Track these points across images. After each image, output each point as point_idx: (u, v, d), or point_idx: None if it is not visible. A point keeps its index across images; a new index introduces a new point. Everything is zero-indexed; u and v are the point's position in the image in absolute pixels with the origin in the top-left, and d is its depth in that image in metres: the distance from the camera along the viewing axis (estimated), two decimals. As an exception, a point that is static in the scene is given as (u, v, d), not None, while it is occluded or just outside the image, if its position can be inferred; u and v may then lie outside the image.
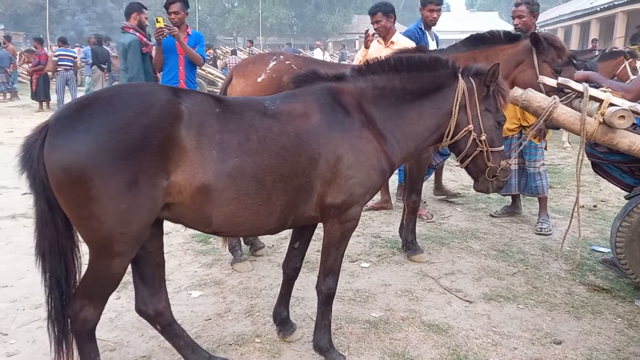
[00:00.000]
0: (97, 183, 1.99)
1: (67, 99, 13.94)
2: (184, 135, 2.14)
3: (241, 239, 4.15)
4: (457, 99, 2.64)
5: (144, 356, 2.88)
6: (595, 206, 5.82)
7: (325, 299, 2.72)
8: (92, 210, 2.02)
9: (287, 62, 4.04)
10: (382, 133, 2.58)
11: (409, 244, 4.35)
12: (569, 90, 3.21)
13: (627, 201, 3.79)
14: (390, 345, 3.00)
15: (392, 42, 5.00)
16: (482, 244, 4.67)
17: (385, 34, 5.06)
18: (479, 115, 2.66)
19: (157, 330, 2.59)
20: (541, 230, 4.92)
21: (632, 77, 7.80)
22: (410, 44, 4.83)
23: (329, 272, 2.68)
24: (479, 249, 4.54)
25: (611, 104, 2.92)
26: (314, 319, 2.86)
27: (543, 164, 5.05)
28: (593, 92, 3.04)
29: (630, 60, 8.36)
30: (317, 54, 21.20)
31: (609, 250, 4.22)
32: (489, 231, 5.01)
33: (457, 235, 4.89)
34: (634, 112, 2.92)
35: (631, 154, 3.07)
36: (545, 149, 5.18)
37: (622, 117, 2.86)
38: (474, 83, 2.67)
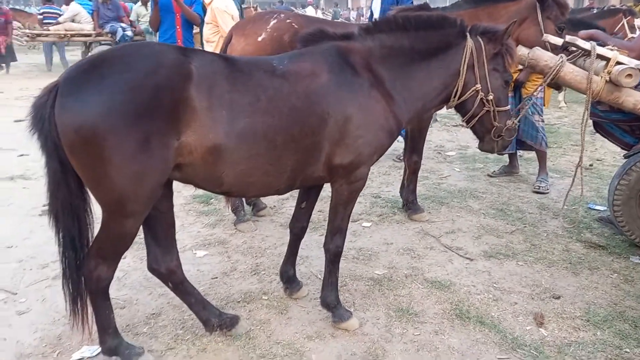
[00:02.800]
0: (110, 143, 1.98)
1: (55, 59, 13.67)
2: (194, 95, 2.12)
3: (244, 199, 4.18)
4: (465, 59, 2.62)
5: (153, 313, 2.94)
6: (591, 165, 5.89)
7: (333, 257, 2.76)
8: (105, 170, 2.03)
9: (288, 20, 3.96)
10: (390, 93, 2.57)
11: (410, 204, 4.40)
12: (575, 49, 3.20)
13: (625, 160, 3.84)
14: (395, 301, 3.08)
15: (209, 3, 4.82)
16: (480, 203, 4.73)
17: None
18: (486, 74, 2.65)
19: (169, 287, 2.64)
20: (539, 189, 4.97)
21: (630, 35, 7.74)
22: (228, 9, 4.61)
23: (337, 231, 2.72)
24: (478, 208, 4.61)
25: (618, 62, 2.92)
26: (319, 276, 2.92)
27: (542, 120, 5.07)
28: (600, 50, 3.03)
29: (628, 17, 8.27)
30: (310, 12, 20.73)
31: (605, 208, 4.29)
32: (487, 190, 5.06)
33: (456, 194, 4.94)
34: (640, 70, 2.93)
35: (636, 113, 3.09)
36: (545, 106, 5.18)
37: (630, 75, 2.87)
38: (482, 42, 2.64)
